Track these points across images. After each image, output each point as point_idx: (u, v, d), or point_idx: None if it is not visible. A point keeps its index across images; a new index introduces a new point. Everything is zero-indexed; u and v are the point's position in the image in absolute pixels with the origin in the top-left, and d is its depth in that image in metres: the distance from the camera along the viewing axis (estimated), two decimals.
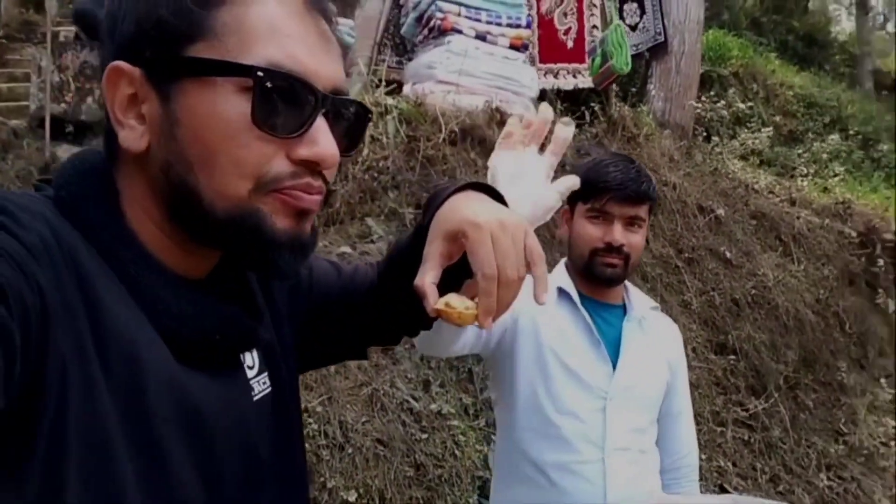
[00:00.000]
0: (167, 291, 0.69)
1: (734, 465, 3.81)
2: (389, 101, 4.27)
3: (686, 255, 4.46)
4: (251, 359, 0.80)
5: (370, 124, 4.02)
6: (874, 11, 18.07)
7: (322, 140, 0.70)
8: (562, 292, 1.70)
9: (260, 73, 0.65)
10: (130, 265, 0.67)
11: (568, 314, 1.68)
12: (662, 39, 6.55)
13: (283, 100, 0.67)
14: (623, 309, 1.74)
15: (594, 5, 6.55)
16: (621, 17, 6.79)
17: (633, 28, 6.77)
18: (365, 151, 3.90)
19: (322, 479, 2.73)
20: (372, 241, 3.64)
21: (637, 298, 1.77)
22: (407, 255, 0.90)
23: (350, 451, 2.83)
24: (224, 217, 0.68)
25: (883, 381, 4.84)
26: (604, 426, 1.60)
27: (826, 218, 5.47)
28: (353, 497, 2.73)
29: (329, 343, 1.00)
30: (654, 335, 1.75)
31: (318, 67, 0.69)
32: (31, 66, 5.18)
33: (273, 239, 0.69)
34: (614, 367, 1.65)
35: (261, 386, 0.80)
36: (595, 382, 1.63)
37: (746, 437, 3.96)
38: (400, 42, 6.07)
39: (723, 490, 3.60)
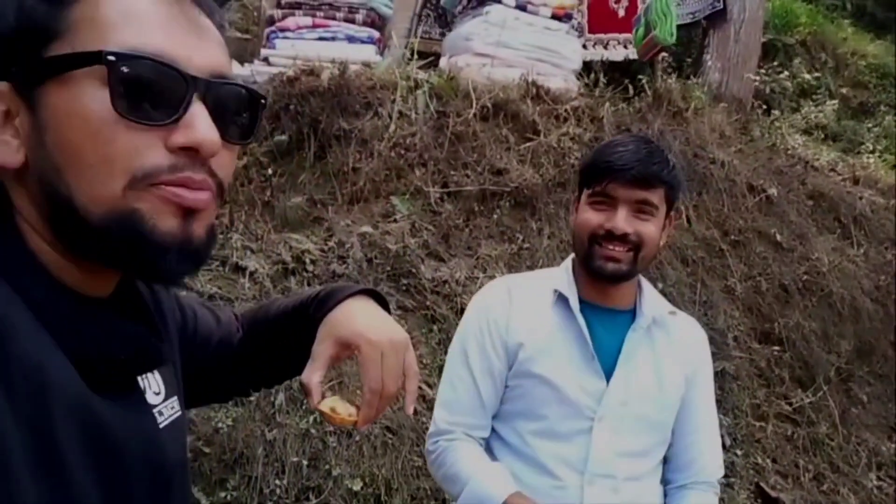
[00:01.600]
0: (72, 313, 0.67)
1: (774, 461, 3.60)
2: (421, 74, 4.13)
3: (732, 237, 4.21)
4: (157, 385, 0.78)
5: (399, 99, 3.89)
6: None
7: (199, 125, 0.66)
8: (559, 297, 1.54)
9: (111, 58, 0.62)
10: (34, 289, 0.65)
11: (562, 321, 1.52)
12: (721, 6, 6.17)
13: (147, 85, 0.64)
14: (633, 315, 1.55)
15: None
16: None
17: None
18: (392, 127, 3.78)
19: (327, 466, 2.68)
20: (395, 221, 3.53)
21: (650, 302, 1.57)
22: (279, 328, 0.99)
23: (357, 438, 2.76)
24: (100, 223, 0.64)
25: None
26: (587, 449, 1.45)
27: (892, 198, 5.10)
28: (358, 486, 2.66)
29: (198, 387, 0.97)
30: (667, 344, 1.56)
31: (190, 52, 0.67)
32: None
33: (155, 242, 0.66)
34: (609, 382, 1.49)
35: (170, 410, 0.79)
36: (582, 400, 1.47)
37: (789, 433, 3.74)
38: (443, 13, 5.90)
39: (759, 489, 3.41)
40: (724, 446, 3.41)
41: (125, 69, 0.62)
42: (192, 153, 0.66)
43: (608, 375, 1.48)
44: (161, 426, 0.76)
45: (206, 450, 2.52)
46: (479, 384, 1.52)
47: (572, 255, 1.62)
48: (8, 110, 0.65)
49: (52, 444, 0.62)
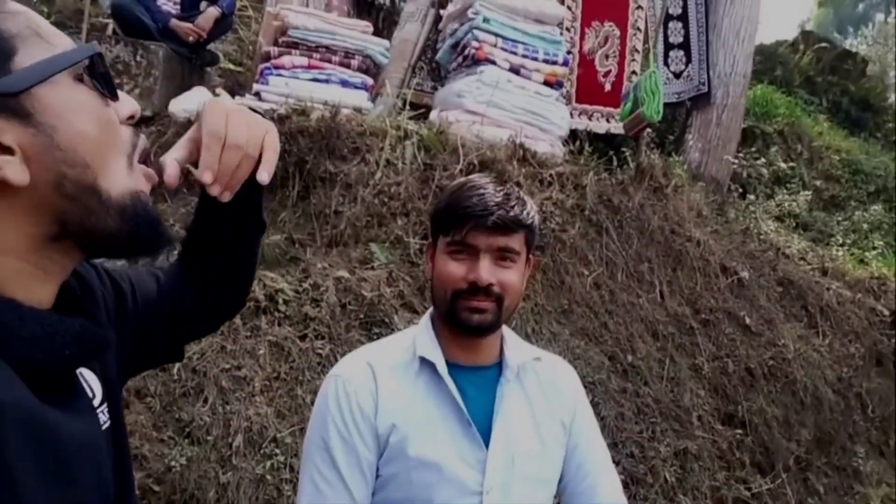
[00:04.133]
0: (11, 318, 0.67)
1: None
2: (411, 125, 4.15)
3: (702, 316, 4.25)
4: (91, 388, 0.79)
5: (387, 147, 3.88)
6: None
7: (126, 97, 0.78)
8: (423, 362, 1.38)
9: (95, 54, 0.72)
10: None
11: (431, 390, 1.37)
12: (706, 90, 6.37)
13: (103, 71, 0.75)
14: (500, 368, 1.43)
15: (637, 51, 6.41)
16: (666, 64, 6.64)
17: (678, 76, 6.60)
18: (378, 174, 3.78)
19: None
20: (372, 268, 3.51)
21: (514, 350, 1.45)
22: (197, 230, 1.02)
23: None
24: (119, 204, 0.72)
25: None
26: None
27: (858, 292, 5.20)
28: None
29: (150, 347, 1.00)
30: (539, 391, 1.45)
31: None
32: None
33: (157, 218, 0.77)
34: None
35: (104, 416, 0.81)
36: (465, 475, 1.32)
37: None
38: (437, 68, 5.99)
39: None
40: None
41: (98, 62, 0.73)
42: (132, 119, 0.77)
43: (486, 440, 1.35)
44: (103, 428, 0.78)
45: (156, 488, 2.43)
46: (347, 482, 1.31)
47: (430, 311, 1.48)
48: None
49: (3, 463, 0.61)
